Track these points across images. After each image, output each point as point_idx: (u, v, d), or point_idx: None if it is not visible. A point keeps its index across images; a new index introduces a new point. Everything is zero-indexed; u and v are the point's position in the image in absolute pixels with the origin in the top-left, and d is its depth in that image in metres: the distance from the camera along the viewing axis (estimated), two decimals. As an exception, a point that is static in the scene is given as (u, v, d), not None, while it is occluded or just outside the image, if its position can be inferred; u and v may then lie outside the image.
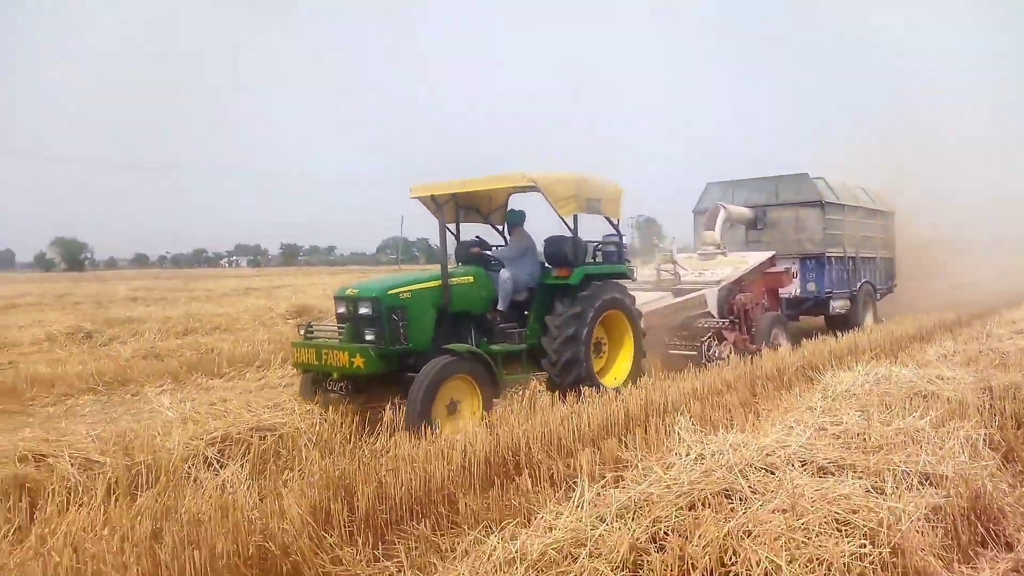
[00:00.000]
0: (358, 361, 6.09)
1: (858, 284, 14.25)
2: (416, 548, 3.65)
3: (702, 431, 4.53)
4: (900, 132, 20.65)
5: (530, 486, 4.25)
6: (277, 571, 3.43)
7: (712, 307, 10.25)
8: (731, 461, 3.80)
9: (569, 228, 7.73)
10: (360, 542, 3.79)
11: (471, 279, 7.17)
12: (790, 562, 2.81)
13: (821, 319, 13.97)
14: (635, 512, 3.43)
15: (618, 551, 3.08)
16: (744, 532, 3.06)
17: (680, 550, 3.04)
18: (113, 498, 4.24)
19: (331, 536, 3.76)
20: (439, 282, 6.76)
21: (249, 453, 5.10)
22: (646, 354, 8.27)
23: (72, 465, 4.58)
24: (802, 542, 2.96)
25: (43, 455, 4.71)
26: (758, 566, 2.82)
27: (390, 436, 5.39)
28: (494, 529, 3.44)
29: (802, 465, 3.90)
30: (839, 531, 3.08)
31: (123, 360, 10.68)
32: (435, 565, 3.31)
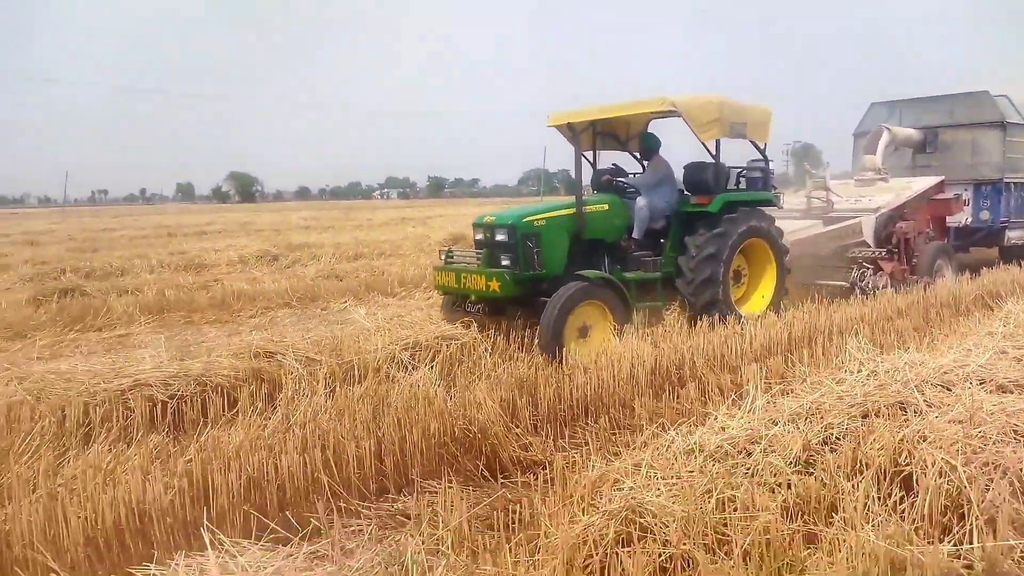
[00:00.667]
0: (494, 284, 6.32)
1: None
2: (596, 440, 4.07)
3: (874, 350, 4.60)
4: None
5: (698, 394, 4.54)
6: (478, 450, 3.97)
7: (868, 236, 9.66)
8: (907, 377, 3.87)
9: (711, 153, 7.54)
10: (543, 433, 4.27)
11: (606, 207, 7.18)
12: (965, 464, 2.94)
13: (994, 251, 12.84)
14: (807, 418, 3.63)
15: (791, 449, 3.32)
16: (919, 438, 3.20)
17: (853, 451, 3.24)
18: (331, 388, 4.97)
19: (518, 427, 4.26)
20: (573, 210, 6.83)
21: (437, 357, 5.72)
22: (787, 292, 7.97)
23: (296, 361, 5.40)
24: (978, 448, 3.07)
25: (271, 352, 5.54)
26: (932, 467, 2.97)
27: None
28: (668, 428, 3.77)
29: (980, 384, 3.90)
30: (1017, 441, 3.16)
31: (309, 280, 11.84)
32: (619, 453, 3.70)
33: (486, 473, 3.84)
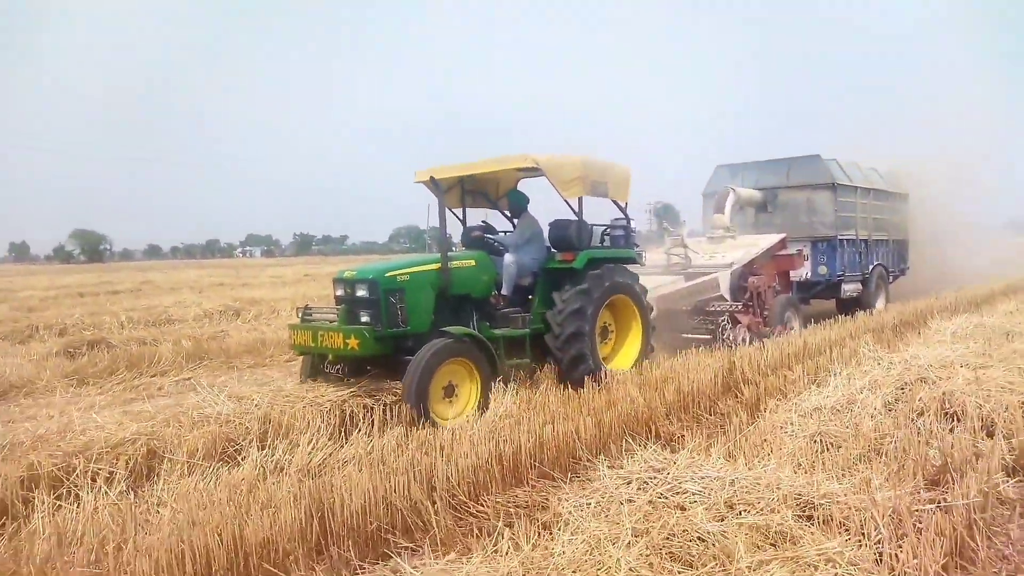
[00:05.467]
0: (352, 343, 6.00)
1: (870, 267, 14.03)
2: (728, 418, 5.78)
3: (881, 350, 6.70)
4: (912, 111, 20.78)
5: (769, 387, 6.42)
6: (644, 425, 5.59)
7: (725, 290, 10.05)
8: (919, 363, 5.96)
9: (574, 211, 7.59)
10: (673, 419, 5.96)
11: (473, 262, 7.06)
12: (986, 400, 4.98)
13: (832, 302, 13.76)
14: (871, 388, 5.59)
15: (874, 404, 5.24)
16: (950, 392, 5.22)
17: (913, 404, 5.21)
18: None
19: (660, 411, 5.92)
20: (438, 265, 6.65)
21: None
22: (653, 348, 8.20)
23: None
24: (987, 394, 5.12)
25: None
26: (969, 403, 4.98)
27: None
28: (784, 399, 5.59)
29: (963, 366, 6.03)
30: (1009, 391, 5.25)
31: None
32: (762, 415, 5.45)
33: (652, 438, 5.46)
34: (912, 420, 4.93)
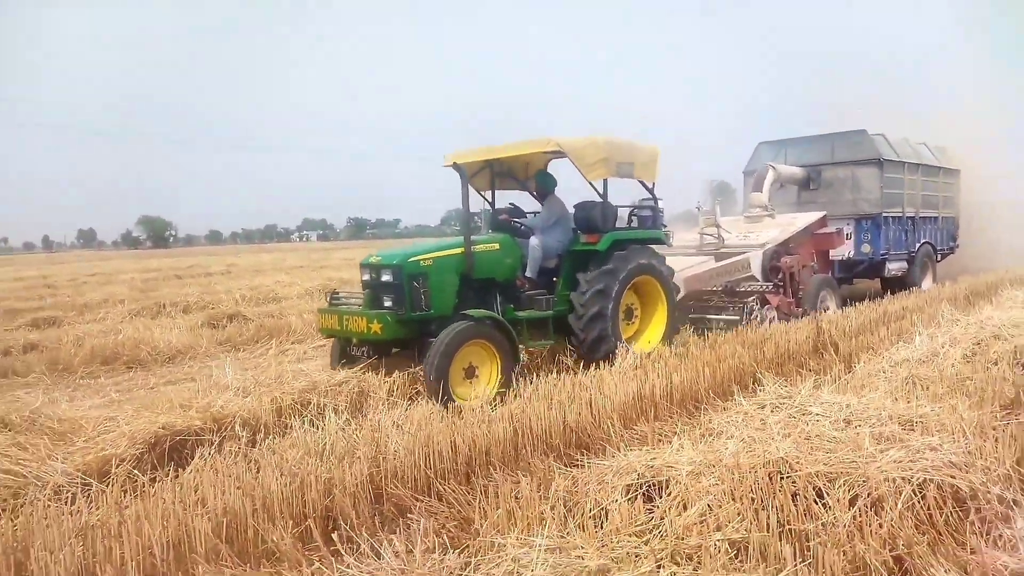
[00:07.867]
0: (375, 327, 6.18)
1: (917, 245, 13.76)
2: (827, 369, 6.73)
3: (958, 312, 7.62)
4: (964, 86, 19.88)
5: (860, 344, 7.37)
6: (750, 378, 6.60)
7: (756, 270, 9.92)
8: (994, 324, 6.85)
9: (598, 193, 7.61)
10: (775, 371, 6.96)
11: (496, 246, 7.11)
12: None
13: (877, 282, 13.63)
14: (952, 344, 6.51)
15: (955, 356, 6.17)
16: (1021, 346, 6.13)
17: (988, 356, 6.13)
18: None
19: (763, 364, 6.92)
20: (462, 249, 6.72)
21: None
22: (678, 329, 8.27)
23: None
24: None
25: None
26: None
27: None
28: (875, 354, 6.56)
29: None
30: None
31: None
32: (857, 365, 6.41)
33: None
34: (988, 368, 5.84)
